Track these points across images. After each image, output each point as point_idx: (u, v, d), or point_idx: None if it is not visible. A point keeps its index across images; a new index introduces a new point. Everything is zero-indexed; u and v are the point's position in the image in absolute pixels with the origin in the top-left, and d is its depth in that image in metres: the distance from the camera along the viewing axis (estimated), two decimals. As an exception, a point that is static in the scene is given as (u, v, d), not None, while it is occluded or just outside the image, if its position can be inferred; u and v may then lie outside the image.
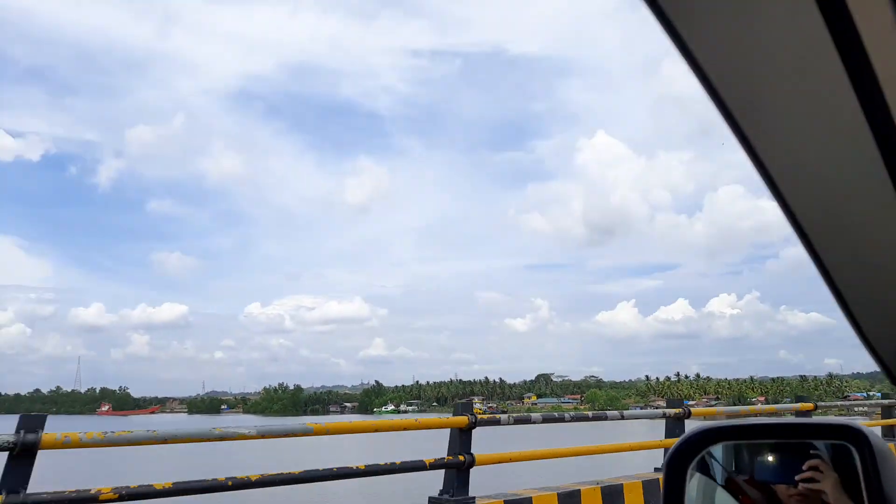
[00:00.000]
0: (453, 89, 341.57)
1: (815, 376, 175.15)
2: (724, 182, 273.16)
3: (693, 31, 0.41)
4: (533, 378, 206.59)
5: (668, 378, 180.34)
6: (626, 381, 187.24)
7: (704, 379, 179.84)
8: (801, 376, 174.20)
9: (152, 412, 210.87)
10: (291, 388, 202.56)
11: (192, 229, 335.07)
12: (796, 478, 1.06)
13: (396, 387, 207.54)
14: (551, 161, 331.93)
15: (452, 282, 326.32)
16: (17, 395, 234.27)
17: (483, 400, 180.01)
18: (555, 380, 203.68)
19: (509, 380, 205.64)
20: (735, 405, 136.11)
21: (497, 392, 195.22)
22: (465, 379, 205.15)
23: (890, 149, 0.41)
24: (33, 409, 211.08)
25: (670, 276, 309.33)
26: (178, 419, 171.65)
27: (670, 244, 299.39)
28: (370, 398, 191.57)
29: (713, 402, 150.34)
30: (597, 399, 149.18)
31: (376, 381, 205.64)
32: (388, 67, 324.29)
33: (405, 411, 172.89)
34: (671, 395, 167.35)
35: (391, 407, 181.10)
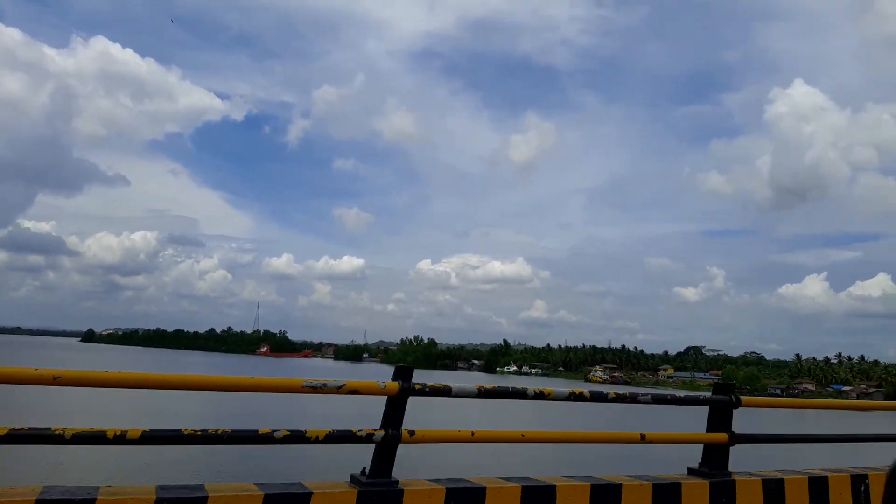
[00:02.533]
0: (637, 39, 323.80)
1: None
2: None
3: None
4: (683, 350, 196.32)
5: (826, 359, 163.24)
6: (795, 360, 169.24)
7: (871, 362, 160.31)
8: None
9: (305, 356, 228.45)
10: (426, 341, 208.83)
11: (373, 187, 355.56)
12: None
13: (526, 347, 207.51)
14: (740, 115, 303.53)
15: (621, 246, 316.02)
16: (196, 333, 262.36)
17: (608, 369, 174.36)
18: (706, 353, 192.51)
19: (670, 350, 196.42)
20: (893, 396, 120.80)
21: (632, 362, 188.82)
22: (629, 347, 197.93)
23: None
24: (206, 347, 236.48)
25: (871, 247, 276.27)
26: (319, 364, 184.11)
27: (874, 211, 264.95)
28: (496, 357, 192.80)
29: (872, 391, 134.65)
30: (734, 377, 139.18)
31: (504, 341, 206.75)
32: (568, 19, 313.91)
33: (528, 373, 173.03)
34: (824, 378, 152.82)
35: (513, 368, 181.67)
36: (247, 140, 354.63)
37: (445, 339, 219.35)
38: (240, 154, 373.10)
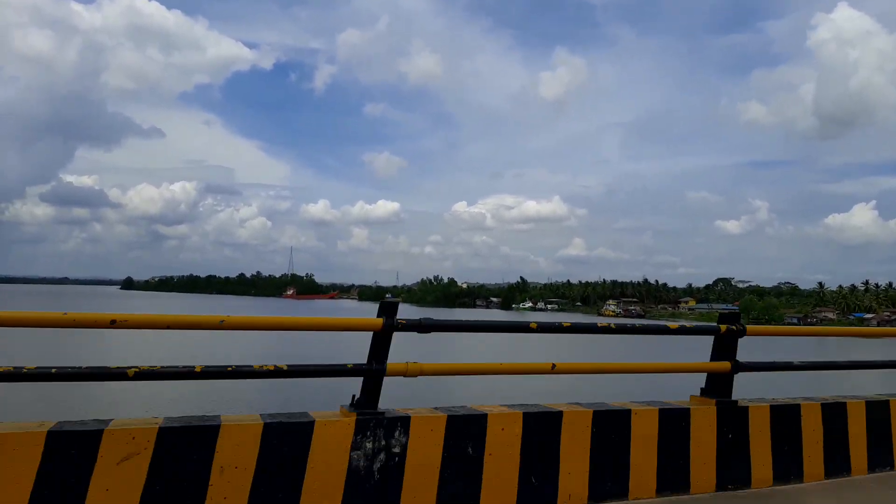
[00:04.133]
0: None
1: None
2: None
3: None
4: (711, 282, 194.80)
5: (852, 286, 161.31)
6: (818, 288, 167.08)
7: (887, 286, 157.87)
8: None
9: (332, 297, 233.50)
10: (446, 281, 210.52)
11: (405, 131, 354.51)
12: None
13: (545, 284, 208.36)
14: (782, 43, 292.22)
15: (660, 181, 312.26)
16: (227, 278, 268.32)
17: (624, 303, 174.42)
18: (736, 285, 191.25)
19: (699, 283, 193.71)
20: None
21: (654, 295, 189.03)
22: (669, 283, 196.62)
23: None
24: (237, 291, 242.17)
25: None
26: (343, 305, 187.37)
27: None
28: (513, 294, 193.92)
29: (895, 318, 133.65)
30: (752, 307, 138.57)
31: (521, 278, 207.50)
32: None
33: (543, 309, 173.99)
34: (848, 306, 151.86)
35: (529, 304, 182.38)
36: (277, 88, 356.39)
37: (483, 279, 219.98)
38: (271, 102, 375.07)
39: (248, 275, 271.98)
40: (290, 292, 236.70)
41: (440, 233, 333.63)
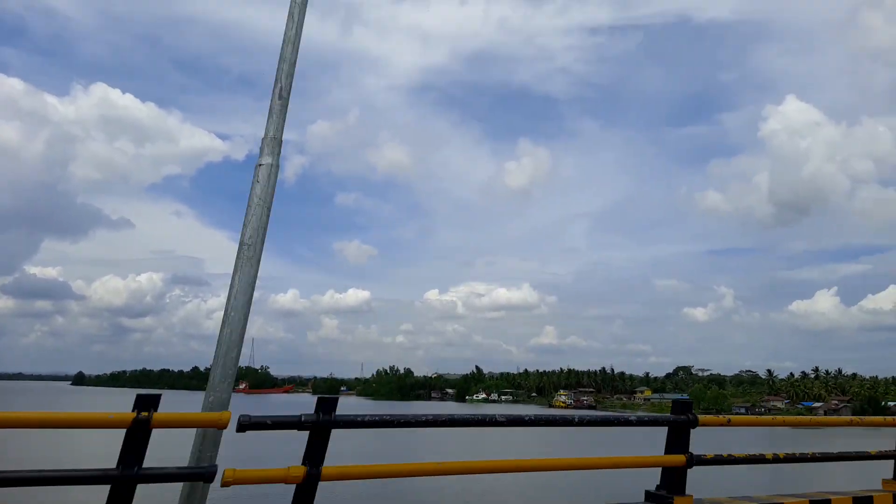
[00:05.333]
0: (633, 65, 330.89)
1: None
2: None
3: None
4: (672, 370, 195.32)
5: (803, 374, 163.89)
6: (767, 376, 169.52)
7: (849, 376, 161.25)
8: None
9: (286, 391, 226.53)
10: (402, 372, 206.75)
11: (377, 220, 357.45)
12: None
13: (502, 373, 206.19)
14: (736, 134, 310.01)
15: (627, 269, 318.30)
16: (181, 372, 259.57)
17: (578, 393, 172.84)
18: (697, 374, 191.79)
19: (668, 371, 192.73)
20: (863, 410, 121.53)
21: (610, 385, 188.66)
22: (632, 370, 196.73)
23: None
24: (190, 385, 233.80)
25: (879, 259, 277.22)
26: (294, 399, 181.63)
27: (877, 223, 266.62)
28: (468, 385, 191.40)
29: (841, 406, 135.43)
30: (702, 397, 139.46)
31: (476, 367, 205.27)
32: (563, 48, 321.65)
33: (496, 400, 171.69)
34: (797, 394, 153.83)
35: (482, 395, 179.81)
36: (248, 179, 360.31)
37: (456, 368, 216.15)
38: (242, 193, 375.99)
39: (202, 368, 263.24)
40: (241, 386, 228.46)
41: (411, 321, 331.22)
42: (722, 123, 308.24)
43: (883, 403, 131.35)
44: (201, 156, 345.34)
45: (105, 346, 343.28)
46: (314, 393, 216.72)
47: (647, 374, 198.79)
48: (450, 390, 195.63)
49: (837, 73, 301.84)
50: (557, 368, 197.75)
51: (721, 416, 5.75)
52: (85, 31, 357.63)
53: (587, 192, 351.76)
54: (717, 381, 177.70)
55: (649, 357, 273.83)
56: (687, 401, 5.26)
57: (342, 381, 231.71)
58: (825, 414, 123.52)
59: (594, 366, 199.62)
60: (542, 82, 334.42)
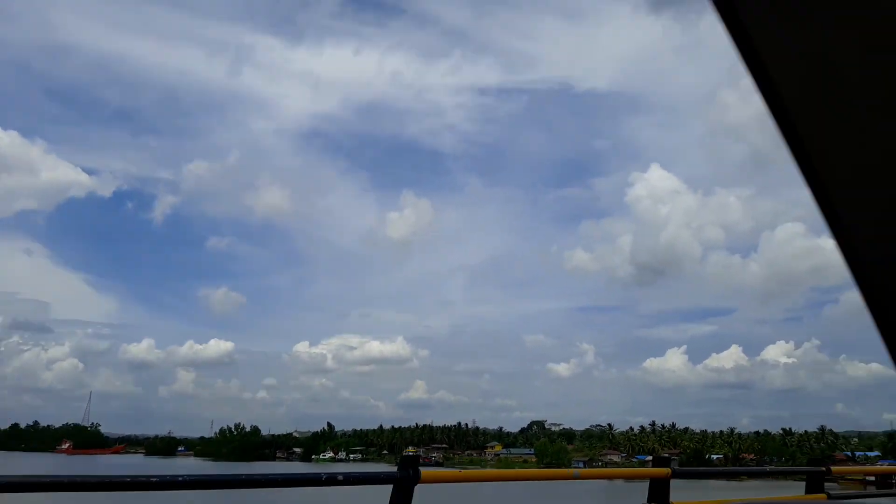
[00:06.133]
0: (518, 127, 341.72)
1: (808, 430, 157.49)
2: (785, 220, 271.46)
3: (766, 42, 0.38)
4: (526, 425, 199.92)
5: (642, 428, 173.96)
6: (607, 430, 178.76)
7: (681, 430, 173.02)
8: (784, 430, 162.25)
9: (116, 451, 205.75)
10: (248, 429, 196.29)
11: (252, 267, 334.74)
12: None
13: (355, 431, 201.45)
14: (606, 198, 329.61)
15: (500, 324, 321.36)
16: None
17: (426, 450, 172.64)
18: (550, 428, 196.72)
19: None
20: (689, 463, 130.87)
21: (461, 440, 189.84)
22: (504, 426, 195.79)
23: None
24: (5, 445, 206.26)
25: (724, 321, 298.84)
26: (124, 461, 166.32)
27: (725, 286, 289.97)
28: (317, 443, 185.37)
29: (672, 459, 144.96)
30: (546, 451, 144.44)
31: (328, 424, 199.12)
32: (453, 106, 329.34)
33: (345, 459, 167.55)
34: (633, 448, 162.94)
35: (329, 454, 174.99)
36: (114, 217, 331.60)
37: (318, 426, 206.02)
38: (106, 232, 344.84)
39: (22, 425, 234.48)
40: (65, 446, 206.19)
41: (276, 376, 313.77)
42: (594, 187, 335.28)
43: (707, 456, 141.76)
44: (63, 190, 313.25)
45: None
46: (147, 454, 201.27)
47: (501, 428, 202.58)
48: (297, 449, 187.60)
49: (697, 146, 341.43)
50: (414, 424, 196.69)
51: (453, 471, 5.50)
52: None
53: (467, 246, 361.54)
54: (568, 435, 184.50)
55: (514, 412, 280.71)
56: (413, 456, 5.05)
57: (181, 441, 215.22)
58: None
59: (462, 420, 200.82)
60: (431, 137, 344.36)
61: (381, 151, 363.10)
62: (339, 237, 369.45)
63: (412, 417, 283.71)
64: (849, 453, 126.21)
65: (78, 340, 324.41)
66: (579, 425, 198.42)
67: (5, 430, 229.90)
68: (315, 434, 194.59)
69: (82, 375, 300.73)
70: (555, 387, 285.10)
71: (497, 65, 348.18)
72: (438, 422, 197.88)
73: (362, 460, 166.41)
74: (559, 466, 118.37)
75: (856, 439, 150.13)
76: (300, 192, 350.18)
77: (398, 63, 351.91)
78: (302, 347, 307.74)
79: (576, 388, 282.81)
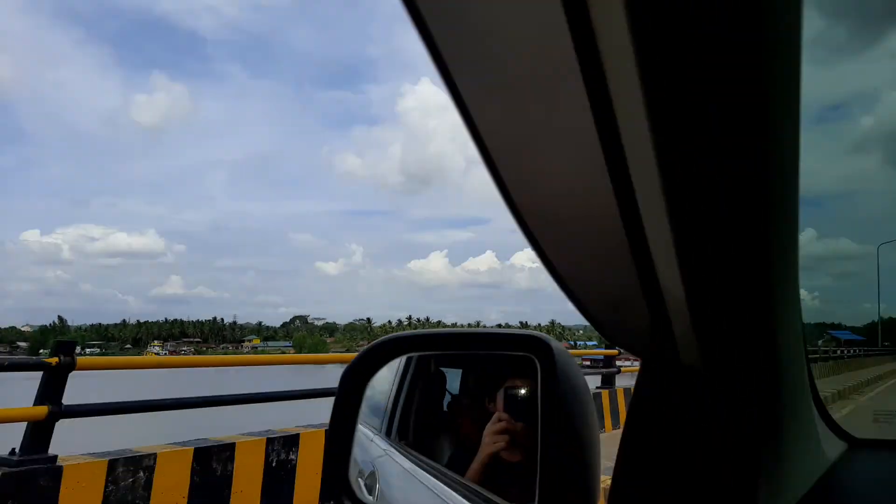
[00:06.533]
0: (288, 20, 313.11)
1: (541, 323, 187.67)
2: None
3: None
4: (289, 320, 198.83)
5: (399, 321, 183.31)
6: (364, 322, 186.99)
7: (435, 323, 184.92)
8: (520, 323, 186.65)
9: None
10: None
11: None
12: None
13: (94, 325, 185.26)
14: (379, 106, 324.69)
15: (266, 222, 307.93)
16: None
17: (176, 343, 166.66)
18: (314, 322, 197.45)
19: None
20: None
21: (217, 334, 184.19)
22: (269, 322, 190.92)
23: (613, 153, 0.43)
24: None
25: (482, 229, 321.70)
26: None
27: (483, 198, 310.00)
28: (46, 338, 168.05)
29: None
30: (303, 343, 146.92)
31: (59, 318, 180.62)
32: None
33: (79, 354, 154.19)
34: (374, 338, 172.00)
35: None
36: None
37: (47, 321, 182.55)
38: None
39: None
40: None
41: (1, 265, 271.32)
42: (366, 93, 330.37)
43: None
44: None
45: None
46: None
47: (260, 323, 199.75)
48: (22, 344, 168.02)
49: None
50: (163, 319, 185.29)
51: (114, 358, 6.40)
52: None
53: (229, 139, 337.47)
54: (331, 329, 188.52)
55: (279, 308, 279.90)
56: (70, 342, 4.83)
57: None
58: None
59: (224, 315, 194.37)
60: (188, 17, 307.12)
61: (127, 25, 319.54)
62: (74, 116, 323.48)
63: (167, 313, 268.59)
64: (572, 343, 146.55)
65: None
66: (343, 320, 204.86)
67: None
68: (44, 328, 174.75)
69: None
70: (322, 285, 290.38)
71: None
72: (196, 317, 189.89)
73: (100, 354, 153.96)
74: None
75: (581, 331, 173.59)
76: (22, 59, 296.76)
77: None
78: (31, 235, 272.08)
79: (343, 286, 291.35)
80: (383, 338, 1.06)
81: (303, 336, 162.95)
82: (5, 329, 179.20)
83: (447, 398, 1.30)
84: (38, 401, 4.48)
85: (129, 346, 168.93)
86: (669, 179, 0.42)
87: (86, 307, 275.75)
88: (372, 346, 1.06)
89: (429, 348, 1.20)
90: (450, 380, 1.30)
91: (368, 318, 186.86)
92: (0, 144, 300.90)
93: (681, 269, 0.47)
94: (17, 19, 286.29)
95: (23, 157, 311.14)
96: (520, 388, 0.98)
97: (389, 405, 1.39)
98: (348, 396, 1.01)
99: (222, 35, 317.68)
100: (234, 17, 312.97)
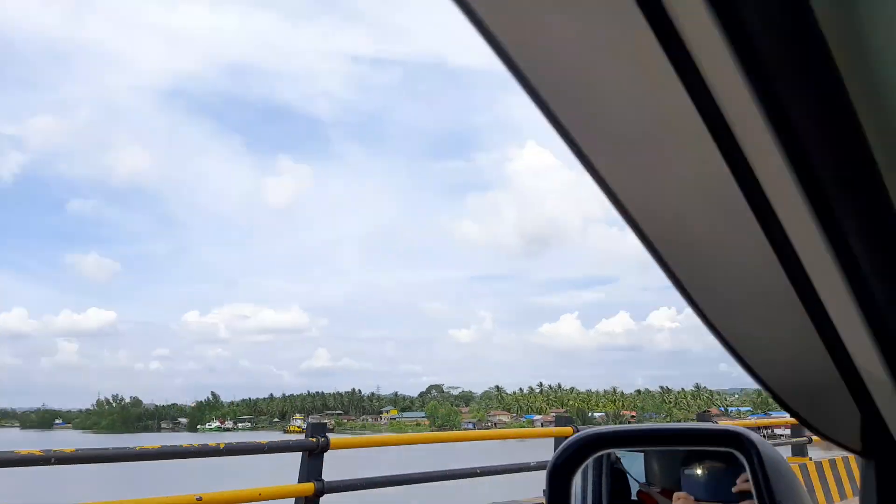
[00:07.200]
0: (395, 98, 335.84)
1: (685, 388, 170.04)
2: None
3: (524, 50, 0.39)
4: (425, 389, 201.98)
5: (531, 389, 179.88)
6: (496, 392, 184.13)
7: (567, 390, 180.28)
8: (661, 388, 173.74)
9: None
10: (128, 400, 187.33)
11: (124, 232, 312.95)
12: (734, 489, 0.98)
13: (244, 399, 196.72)
14: (489, 172, 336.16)
15: (397, 292, 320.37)
16: None
17: (319, 416, 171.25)
18: (449, 391, 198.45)
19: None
20: (572, 421, 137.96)
21: (357, 405, 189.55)
22: (403, 392, 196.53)
23: (734, 163, 0.40)
24: None
25: (611, 288, 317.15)
26: (3, 436, 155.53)
27: (606, 257, 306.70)
28: (203, 413, 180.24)
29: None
30: (436, 413, 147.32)
31: (212, 394, 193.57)
32: (326, 72, 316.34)
33: (232, 428, 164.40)
34: (521, 408, 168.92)
35: (216, 424, 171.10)
36: None
37: (225, 396, 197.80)
38: None
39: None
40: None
41: (168, 346, 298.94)
42: (475, 160, 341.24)
43: (590, 414, 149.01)
44: None
45: None
46: (23, 427, 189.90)
47: (396, 393, 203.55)
48: (182, 420, 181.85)
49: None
50: (305, 392, 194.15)
51: (360, 437, 6.53)
52: None
53: (352, 215, 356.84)
54: (466, 397, 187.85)
55: (421, 377, 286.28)
56: (321, 423, 5.36)
57: (59, 413, 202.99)
58: (542, 426, 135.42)
59: (367, 387, 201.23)
60: (306, 102, 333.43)
61: (253, 114, 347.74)
62: (214, 202, 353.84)
63: (317, 385, 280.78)
64: (723, 409, 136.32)
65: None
66: (478, 388, 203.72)
67: None
68: (199, 404, 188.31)
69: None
70: (456, 352, 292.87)
71: (369, 35, 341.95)
72: (342, 388, 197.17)
73: (252, 429, 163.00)
74: (451, 428, 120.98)
75: (736, 396, 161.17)
76: (168, 154, 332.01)
77: (262, 23, 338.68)
78: (191, 317, 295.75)
79: (476, 353, 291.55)
80: (582, 434, 1.05)
81: (434, 406, 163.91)
82: (167, 406, 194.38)
83: (633, 486, 1.30)
84: (303, 478, 4.84)
85: (276, 419, 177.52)
86: (840, 251, 0.38)
87: (241, 382, 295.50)
88: (573, 442, 1.05)
89: (629, 445, 1.19)
90: (626, 462, 1.30)
91: (497, 386, 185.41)
92: (155, 232, 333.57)
93: (883, 353, 0.43)
94: (157, 119, 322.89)
95: (175, 242, 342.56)
96: (705, 470, 0.97)
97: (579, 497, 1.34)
98: (557, 494, 1.00)
99: (338, 116, 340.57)
100: (347, 98, 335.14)
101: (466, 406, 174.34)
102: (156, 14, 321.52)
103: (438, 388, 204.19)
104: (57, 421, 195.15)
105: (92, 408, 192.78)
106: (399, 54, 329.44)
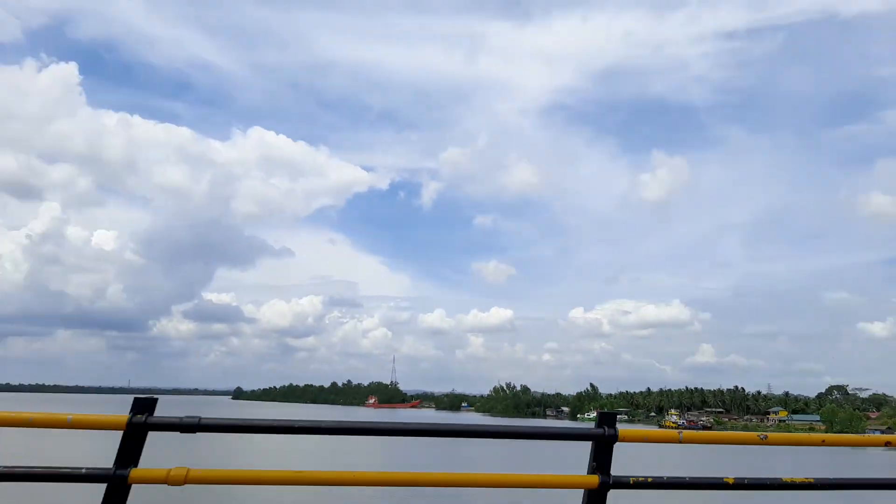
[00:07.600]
0: (777, 67, 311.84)
1: None
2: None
3: None
4: (823, 390, 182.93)
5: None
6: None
7: None
8: None
9: (414, 406, 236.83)
10: (518, 388, 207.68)
11: (517, 239, 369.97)
12: None
13: (621, 392, 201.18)
14: None
15: (790, 282, 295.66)
16: (321, 387, 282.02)
17: (695, 414, 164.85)
18: (855, 393, 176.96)
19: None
20: None
21: (740, 404, 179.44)
22: (807, 393, 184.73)
23: None
24: (328, 399, 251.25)
25: None
26: (419, 413, 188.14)
27: None
28: (582, 403, 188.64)
29: None
30: (834, 417, 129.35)
31: (591, 385, 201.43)
32: (697, 56, 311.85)
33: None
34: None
35: (594, 414, 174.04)
36: (392, 206, 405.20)
37: (606, 388, 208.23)
38: (387, 219, 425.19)
39: (339, 384, 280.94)
40: (371, 401, 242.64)
41: (556, 340, 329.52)
42: (885, 120, 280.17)
43: None
44: (349, 187, 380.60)
45: (275, 364, 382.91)
46: (437, 408, 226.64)
47: (787, 393, 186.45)
48: (564, 408, 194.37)
49: None
50: (683, 387, 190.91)
51: (643, 430, 4.41)
52: (240, 82, 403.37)
53: (734, 202, 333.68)
54: (878, 401, 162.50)
55: (823, 377, 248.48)
56: (611, 413, 4.37)
57: (464, 398, 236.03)
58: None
59: (756, 386, 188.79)
60: (678, 92, 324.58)
61: (626, 115, 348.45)
62: (594, 204, 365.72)
63: (701, 381, 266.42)
64: None
65: (384, 313, 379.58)
66: (893, 390, 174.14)
67: (326, 388, 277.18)
68: (579, 394, 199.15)
69: (391, 342, 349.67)
70: (867, 348, 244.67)
71: (741, 5, 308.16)
72: (726, 385, 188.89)
73: (628, 421, 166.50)
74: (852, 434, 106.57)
75: None
76: (550, 165, 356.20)
77: (629, 22, 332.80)
78: (577, 313, 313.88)
79: (894, 348, 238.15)
80: None
81: (832, 409, 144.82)
82: (552, 395, 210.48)
83: None
84: (591, 470, 4.12)
85: (653, 413, 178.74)
86: None
87: (622, 375, 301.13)
88: None
89: None
90: None
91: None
92: (543, 238, 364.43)
93: None
94: (540, 134, 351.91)
95: (560, 245, 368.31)
96: None
97: None
98: None
99: (713, 100, 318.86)
100: (722, 79, 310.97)
101: (877, 410, 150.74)
102: (533, 40, 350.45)
103: (842, 389, 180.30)
104: (463, 404, 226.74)
105: (490, 394, 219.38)
106: (779, 18, 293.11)
